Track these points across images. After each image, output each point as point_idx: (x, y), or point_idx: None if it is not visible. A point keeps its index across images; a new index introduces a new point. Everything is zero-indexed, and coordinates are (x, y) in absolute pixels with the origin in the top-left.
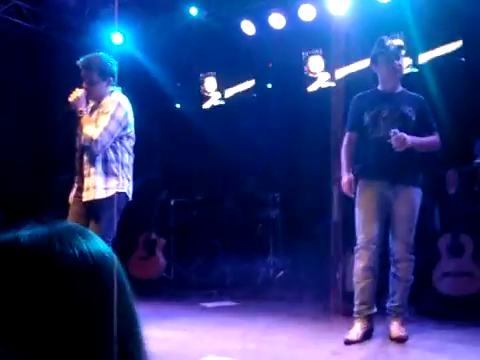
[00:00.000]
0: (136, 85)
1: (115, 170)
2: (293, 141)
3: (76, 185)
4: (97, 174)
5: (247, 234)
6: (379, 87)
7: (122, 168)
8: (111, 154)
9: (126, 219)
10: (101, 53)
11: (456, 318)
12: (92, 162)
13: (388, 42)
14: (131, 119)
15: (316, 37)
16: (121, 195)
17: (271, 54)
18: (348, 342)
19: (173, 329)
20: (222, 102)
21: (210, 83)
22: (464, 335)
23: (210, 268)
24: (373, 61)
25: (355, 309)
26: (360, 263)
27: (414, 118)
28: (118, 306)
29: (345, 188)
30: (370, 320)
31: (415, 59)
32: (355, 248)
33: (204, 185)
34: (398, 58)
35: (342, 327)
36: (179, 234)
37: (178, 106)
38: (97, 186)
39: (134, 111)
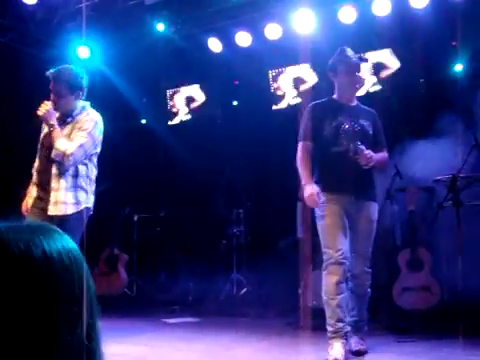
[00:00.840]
0: (102, 99)
1: (84, 184)
2: (258, 158)
3: (35, 194)
4: (67, 189)
5: (210, 251)
6: (335, 97)
7: (89, 183)
8: (82, 169)
9: (88, 234)
10: (72, 66)
11: (416, 332)
12: (62, 176)
13: (349, 52)
14: (101, 138)
15: (282, 55)
16: (88, 209)
17: (237, 72)
18: None
19: (133, 344)
20: (188, 118)
21: (177, 99)
22: (422, 349)
23: (173, 284)
24: (332, 69)
25: (331, 329)
26: (332, 278)
27: (371, 132)
28: (76, 312)
29: (310, 200)
30: (347, 338)
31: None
32: (324, 264)
33: (168, 201)
34: (359, 70)
35: (305, 342)
36: (142, 250)
37: (144, 121)
38: (67, 201)
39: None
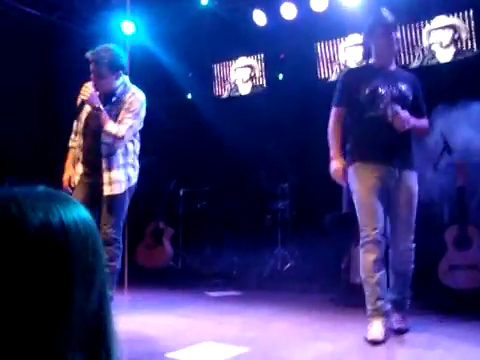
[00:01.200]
0: (147, 74)
1: (131, 160)
2: (304, 132)
3: (81, 171)
4: (119, 167)
5: (255, 225)
6: (373, 62)
7: (136, 158)
8: (130, 146)
9: (135, 208)
10: (111, 45)
11: (463, 312)
12: (113, 155)
13: (385, 13)
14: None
15: (328, 28)
16: (135, 185)
17: (283, 45)
18: (374, 342)
19: (176, 315)
20: (235, 92)
21: (223, 73)
22: (464, 330)
23: (218, 258)
24: (369, 33)
25: (370, 307)
26: (370, 257)
27: (411, 98)
28: (90, 280)
29: (337, 175)
30: (387, 316)
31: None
32: (361, 241)
33: (214, 175)
34: (396, 30)
35: (345, 318)
36: (188, 224)
37: (190, 96)
38: (121, 180)
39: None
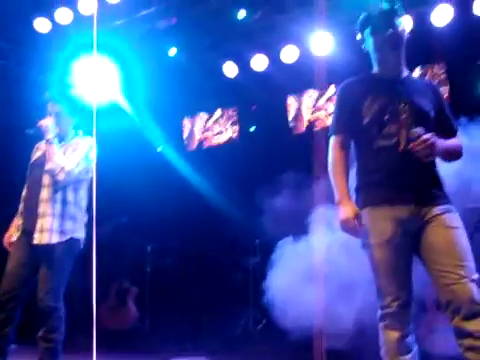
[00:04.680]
0: (114, 128)
1: (73, 213)
2: (275, 185)
3: (21, 227)
4: (54, 216)
5: (226, 283)
6: (376, 71)
7: (80, 211)
8: (71, 196)
9: (100, 267)
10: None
11: None
12: (50, 201)
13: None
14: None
15: (299, 78)
16: (76, 241)
17: (254, 96)
18: None
19: None
20: (204, 146)
21: (192, 126)
22: None
23: (187, 319)
24: (364, 34)
25: None
26: (392, 334)
27: (433, 114)
28: None
29: (347, 226)
30: None
31: None
32: (380, 312)
33: (182, 231)
34: (397, 25)
35: None
36: (155, 282)
37: (159, 150)
38: (53, 229)
39: (112, 158)
